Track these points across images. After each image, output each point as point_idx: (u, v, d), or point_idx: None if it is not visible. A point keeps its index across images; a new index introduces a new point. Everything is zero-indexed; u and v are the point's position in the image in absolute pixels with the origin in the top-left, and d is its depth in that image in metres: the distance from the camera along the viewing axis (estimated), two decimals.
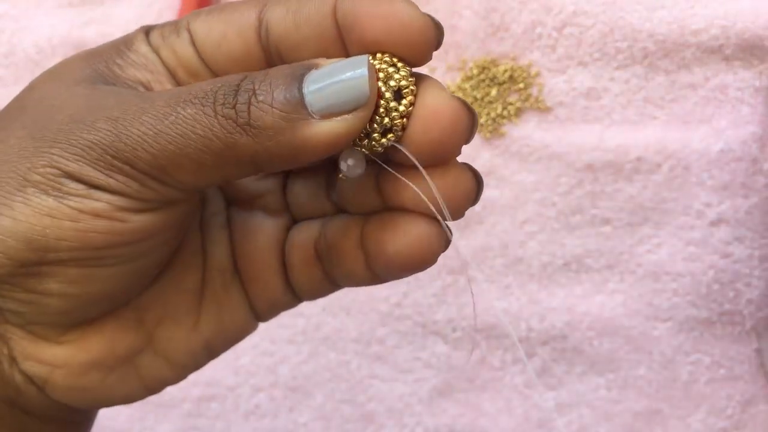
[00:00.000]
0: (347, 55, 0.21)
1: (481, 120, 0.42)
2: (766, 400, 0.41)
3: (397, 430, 0.42)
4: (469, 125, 0.20)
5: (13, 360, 0.21)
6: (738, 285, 0.40)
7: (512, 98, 0.42)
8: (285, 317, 0.44)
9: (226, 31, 0.21)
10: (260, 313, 0.25)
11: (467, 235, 0.42)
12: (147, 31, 0.22)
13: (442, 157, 0.20)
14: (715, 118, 0.40)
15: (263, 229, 0.24)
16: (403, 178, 0.21)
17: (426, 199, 0.20)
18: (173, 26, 0.22)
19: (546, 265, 0.41)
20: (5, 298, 0.20)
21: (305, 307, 0.42)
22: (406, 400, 0.42)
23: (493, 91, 0.42)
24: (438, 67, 0.42)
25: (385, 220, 0.22)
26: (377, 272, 0.22)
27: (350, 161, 0.21)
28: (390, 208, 0.22)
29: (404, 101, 0.20)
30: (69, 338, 0.22)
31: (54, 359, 0.21)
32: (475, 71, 0.42)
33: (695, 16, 0.40)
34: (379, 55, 0.20)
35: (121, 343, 0.23)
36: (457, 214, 0.21)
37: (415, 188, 0.20)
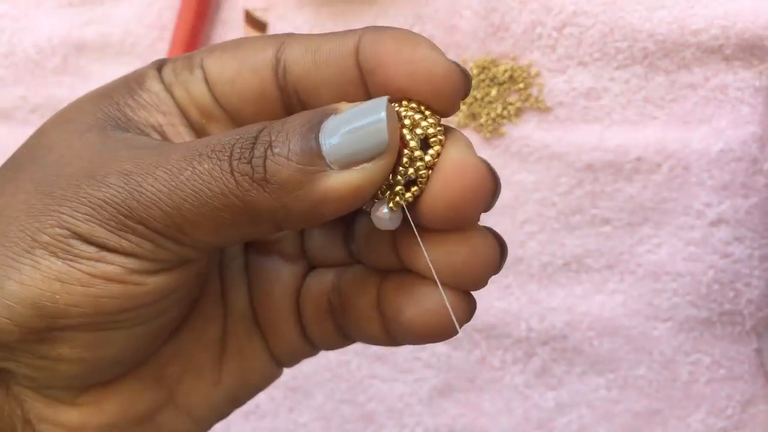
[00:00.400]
0: (369, 97, 0.19)
1: (481, 120, 0.42)
2: (766, 400, 0.41)
3: (397, 430, 0.42)
4: (492, 189, 0.19)
5: (27, 422, 0.20)
6: (738, 285, 0.40)
7: (512, 98, 0.42)
8: None
9: (240, 69, 0.20)
10: (282, 361, 0.24)
11: None
12: (159, 66, 0.21)
13: (459, 221, 0.19)
14: (715, 118, 0.40)
15: (280, 275, 0.23)
16: (422, 246, 0.20)
17: (434, 273, 0.19)
18: (186, 62, 0.21)
19: (546, 265, 0.41)
20: (17, 363, 0.19)
21: None
22: (406, 400, 0.42)
23: (493, 91, 0.42)
24: None
25: (403, 283, 0.21)
26: (394, 336, 0.21)
27: (384, 212, 0.19)
28: (407, 270, 0.21)
29: (431, 151, 0.19)
30: (85, 400, 0.21)
31: (70, 422, 0.21)
32: (475, 71, 0.42)
33: (695, 16, 0.40)
34: (405, 102, 0.19)
35: (140, 402, 0.22)
36: (479, 283, 0.20)
37: (428, 259, 0.19)
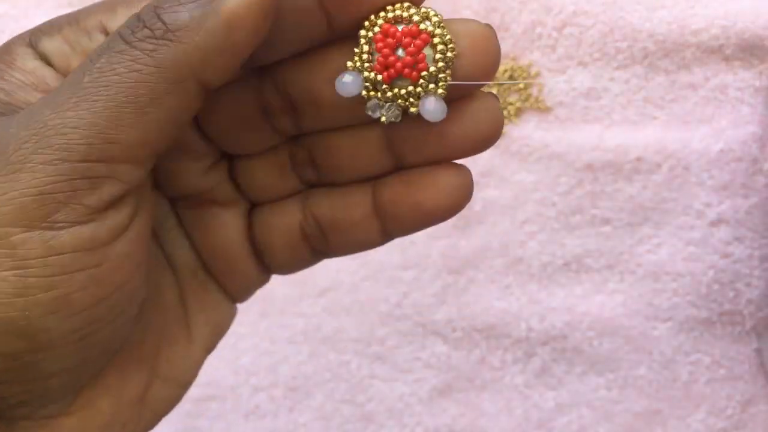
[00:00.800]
0: (329, 24, 0.19)
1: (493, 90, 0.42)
2: (766, 400, 0.41)
3: (397, 430, 0.42)
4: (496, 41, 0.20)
5: None
6: (738, 285, 0.40)
7: (512, 98, 0.42)
8: (285, 317, 0.44)
9: None
10: (237, 297, 0.24)
11: (467, 235, 0.42)
12: (32, 41, 0.20)
13: (490, 76, 0.20)
14: (715, 118, 0.40)
15: (223, 221, 0.23)
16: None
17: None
18: (76, 28, 0.20)
19: (546, 265, 0.41)
20: (5, 396, 0.18)
21: (305, 307, 0.42)
22: (406, 400, 0.42)
23: (493, 91, 0.42)
24: None
25: (414, 177, 0.21)
26: (396, 233, 0.22)
27: (435, 102, 0.19)
28: (404, 168, 0.21)
29: (445, 31, 0.19)
30: (78, 406, 0.20)
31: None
32: None
33: (695, 16, 0.40)
34: (390, 7, 0.19)
35: (130, 389, 0.22)
36: (495, 137, 0.21)
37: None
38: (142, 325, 0.22)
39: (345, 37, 0.20)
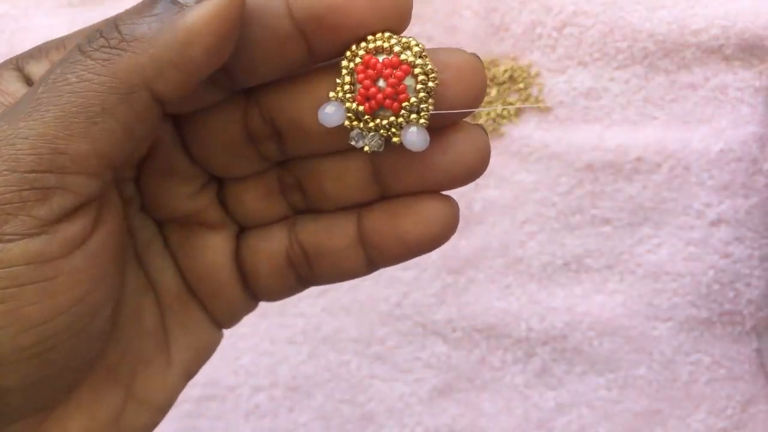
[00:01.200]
0: (309, 50, 0.19)
1: (481, 120, 0.42)
2: (766, 400, 0.41)
3: (397, 430, 0.42)
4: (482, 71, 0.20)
5: None
6: (738, 285, 0.40)
7: (512, 98, 0.42)
8: (285, 317, 0.44)
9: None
10: (223, 322, 0.24)
11: (467, 235, 0.42)
12: (18, 64, 0.20)
13: (474, 103, 0.20)
14: (715, 118, 0.40)
15: (209, 244, 0.23)
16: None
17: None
18: (63, 51, 0.20)
19: (546, 265, 0.41)
20: None
21: (305, 307, 0.42)
22: (406, 400, 0.42)
23: (493, 91, 0.42)
24: None
25: (398, 207, 0.21)
26: (380, 263, 0.22)
27: (416, 132, 0.20)
28: (389, 196, 0.21)
29: (428, 60, 0.19)
30: (49, 425, 0.20)
31: None
32: None
33: (695, 16, 0.40)
34: (371, 37, 0.19)
35: (102, 409, 0.21)
36: (480, 171, 0.21)
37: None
38: (119, 345, 0.22)
39: (329, 64, 0.20)
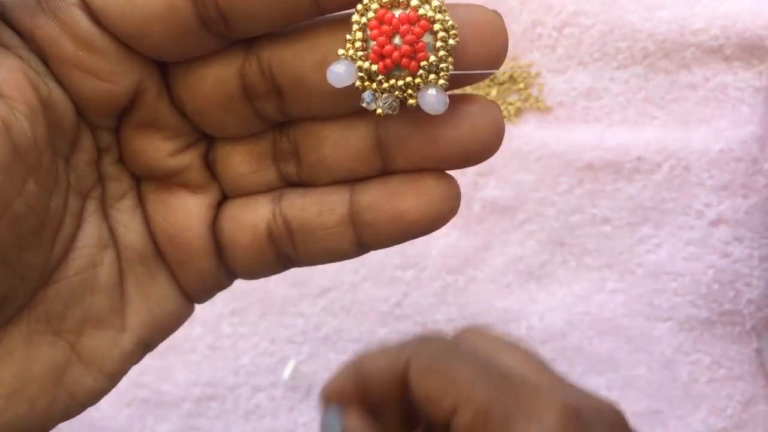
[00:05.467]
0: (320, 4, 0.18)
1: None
2: (766, 400, 0.41)
3: None
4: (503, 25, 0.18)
5: None
6: (738, 285, 0.40)
7: (512, 98, 0.42)
8: (285, 317, 0.44)
9: None
10: (194, 296, 0.22)
11: (467, 235, 0.42)
12: None
13: (495, 63, 0.18)
14: (715, 118, 0.40)
15: (187, 207, 0.21)
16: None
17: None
18: None
19: (545, 265, 0.41)
20: None
21: (305, 307, 0.42)
22: None
23: (493, 91, 0.42)
24: None
25: (398, 183, 0.20)
26: (371, 244, 0.20)
27: (435, 94, 0.18)
28: (390, 172, 0.20)
29: (454, 25, 0.18)
30: None
31: None
32: None
33: (695, 16, 0.40)
34: None
35: (39, 364, 0.20)
36: (494, 148, 0.19)
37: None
38: (62, 293, 0.20)
39: (338, 17, 0.19)
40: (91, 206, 0.21)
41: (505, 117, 0.42)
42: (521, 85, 0.41)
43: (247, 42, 0.19)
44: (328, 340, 0.42)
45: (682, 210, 0.41)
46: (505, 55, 0.19)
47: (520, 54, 0.42)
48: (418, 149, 0.19)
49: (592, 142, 0.41)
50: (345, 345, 0.42)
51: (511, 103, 0.42)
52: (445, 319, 0.42)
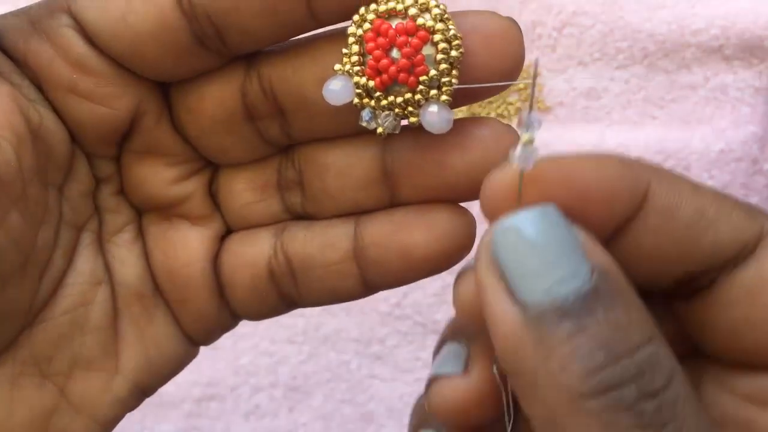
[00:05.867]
0: (312, 12, 0.17)
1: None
2: None
3: (397, 430, 0.42)
4: (519, 32, 0.17)
5: None
6: None
7: (512, 98, 0.42)
8: (285, 317, 0.44)
9: (130, 2, 0.17)
10: (196, 337, 0.21)
11: None
12: (69, 7, 0.18)
13: (507, 73, 0.17)
14: (715, 118, 0.40)
15: (188, 241, 0.20)
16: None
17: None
18: (45, 10, 0.18)
19: None
20: None
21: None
22: (406, 400, 0.42)
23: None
24: None
25: (406, 215, 0.18)
26: (378, 283, 0.19)
27: (438, 111, 0.17)
28: (398, 204, 0.19)
29: (452, 25, 0.16)
30: None
31: None
32: None
33: (695, 16, 0.40)
34: None
35: (23, 407, 0.19)
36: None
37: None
38: (50, 332, 0.19)
39: (337, 30, 0.18)
40: (86, 239, 0.20)
41: (505, 117, 0.42)
42: (521, 85, 0.41)
43: (248, 58, 0.19)
44: (328, 340, 0.42)
45: None
46: (520, 66, 0.17)
47: None
48: (425, 177, 0.18)
49: (592, 142, 0.41)
50: (345, 345, 0.42)
51: (511, 103, 0.42)
52: (445, 319, 0.42)
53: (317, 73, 0.18)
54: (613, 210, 0.15)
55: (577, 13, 0.41)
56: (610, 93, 0.41)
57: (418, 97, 0.17)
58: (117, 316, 0.20)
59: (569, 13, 0.41)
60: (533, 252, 0.14)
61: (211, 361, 0.42)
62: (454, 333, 0.18)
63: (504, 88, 0.17)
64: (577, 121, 0.41)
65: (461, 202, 0.18)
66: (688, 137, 0.40)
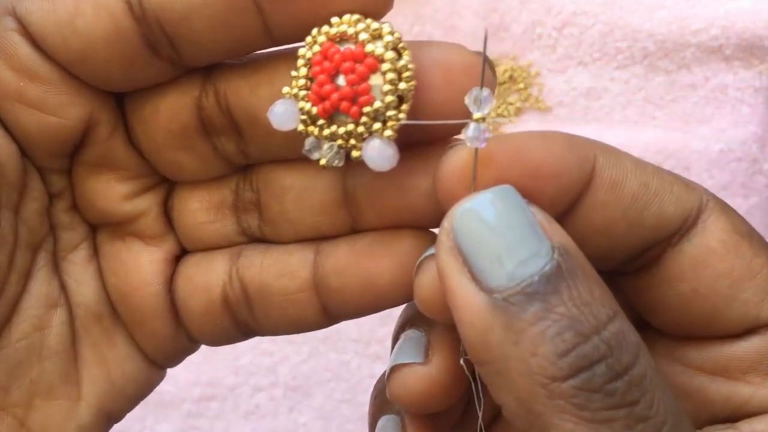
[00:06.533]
0: (266, 27, 0.16)
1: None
2: None
3: None
4: (479, 63, 0.16)
5: None
6: None
7: (512, 98, 0.42)
8: None
9: (78, 5, 0.16)
10: (156, 360, 0.20)
11: None
12: (15, 11, 0.17)
13: (458, 105, 0.16)
14: (715, 118, 0.40)
15: (140, 262, 0.19)
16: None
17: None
18: None
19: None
20: None
21: None
22: None
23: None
24: None
25: (368, 242, 0.17)
26: (338, 313, 0.18)
27: (381, 145, 0.15)
28: (360, 230, 0.18)
29: (407, 57, 0.15)
30: None
31: None
32: None
33: (695, 16, 0.40)
34: (336, 20, 0.16)
35: None
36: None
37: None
38: (5, 361, 0.18)
39: (295, 49, 0.17)
40: (42, 260, 0.19)
41: (505, 117, 0.42)
42: (521, 85, 0.41)
43: (205, 71, 0.18)
44: (328, 340, 0.42)
45: None
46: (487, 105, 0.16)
47: (520, 54, 0.42)
48: (388, 202, 0.17)
49: None
50: (345, 345, 0.42)
51: (511, 103, 0.42)
52: None
53: (273, 94, 0.17)
54: (564, 187, 0.15)
55: (577, 13, 0.41)
56: (610, 93, 0.41)
57: (360, 129, 0.16)
58: (76, 340, 0.19)
59: (569, 13, 0.41)
60: (493, 234, 0.14)
61: (211, 361, 0.42)
62: (412, 320, 0.17)
63: (461, 127, 0.15)
64: (577, 121, 0.41)
65: (426, 227, 0.17)
66: (688, 137, 0.40)
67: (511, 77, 0.42)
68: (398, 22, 0.41)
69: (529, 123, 0.41)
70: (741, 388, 0.16)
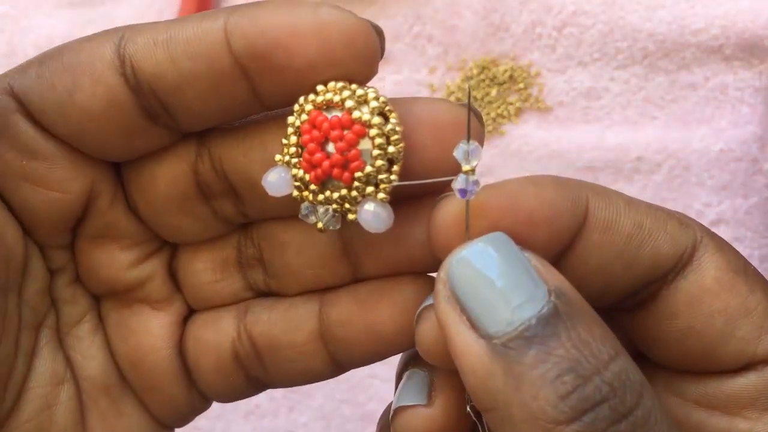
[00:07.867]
0: (253, 94, 0.16)
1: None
2: None
3: None
4: (460, 115, 0.16)
5: None
6: None
7: (512, 98, 0.42)
8: None
9: (76, 81, 0.16)
10: (168, 423, 0.20)
11: None
12: (13, 90, 0.17)
13: (447, 160, 0.16)
14: (715, 118, 0.40)
15: (149, 328, 0.19)
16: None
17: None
18: None
19: None
20: None
21: None
22: None
23: (493, 91, 0.42)
24: (438, 67, 0.42)
25: (370, 291, 0.18)
26: (347, 362, 0.19)
27: (376, 208, 0.16)
28: (362, 278, 0.18)
29: (393, 120, 0.16)
30: None
31: None
32: (475, 71, 0.42)
33: (695, 16, 0.40)
34: (322, 88, 0.16)
35: None
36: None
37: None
38: None
39: (285, 113, 0.17)
40: (44, 337, 0.19)
41: (505, 117, 0.42)
42: (521, 85, 0.41)
43: (199, 135, 0.18)
44: None
45: (682, 210, 0.41)
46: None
47: (520, 54, 0.42)
48: (386, 251, 0.17)
49: (592, 142, 0.41)
50: None
51: (511, 103, 0.42)
52: None
53: (266, 158, 0.17)
54: (557, 231, 0.16)
55: (577, 13, 0.41)
56: (610, 93, 0.41)
57: (354, 194, 0.16)
58: (84, 414, 0.19)
59: (569, 13, 0.41)
60: (488, 281, 0.14)
61: None
62: (416, 358, 0.18)
63: (450, 180, 0.16)
64: (577, 121, 0.41)
65: (425, 272, 0.18)
66: (688, 137, 0.40)
67: (511, 77, 0.42)
68: (398, 23, 0.41)
69: (529, 122, 0.41)
70: (739, 423, 0.16)
